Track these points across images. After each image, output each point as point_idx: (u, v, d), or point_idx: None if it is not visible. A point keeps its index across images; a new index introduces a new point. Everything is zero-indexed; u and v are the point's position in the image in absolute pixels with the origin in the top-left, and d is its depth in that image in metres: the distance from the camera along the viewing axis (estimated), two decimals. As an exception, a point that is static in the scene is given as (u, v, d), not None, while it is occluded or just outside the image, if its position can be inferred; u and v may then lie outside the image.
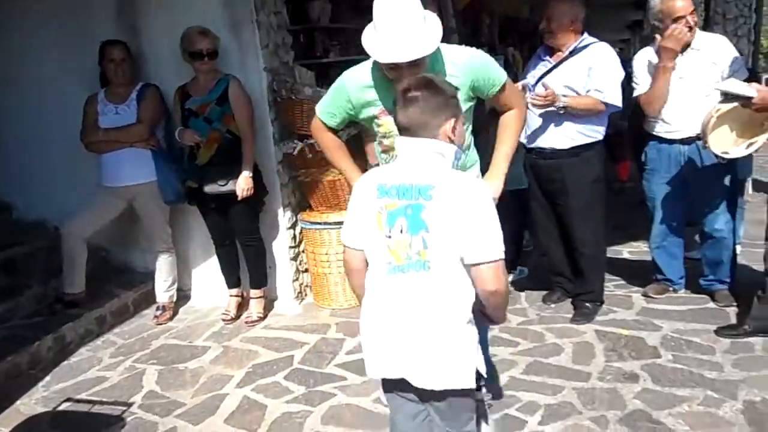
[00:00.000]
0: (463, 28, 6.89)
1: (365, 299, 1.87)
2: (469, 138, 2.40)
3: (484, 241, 1.67)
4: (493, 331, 3.52)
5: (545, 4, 3.53)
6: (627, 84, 3.55)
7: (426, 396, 1.83)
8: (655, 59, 3.41)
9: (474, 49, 2.36)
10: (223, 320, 3.97)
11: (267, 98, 3.81)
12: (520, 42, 9.48)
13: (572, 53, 3.40)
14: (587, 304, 3.66)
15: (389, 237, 1.75)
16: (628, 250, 4.87)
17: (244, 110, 3.63)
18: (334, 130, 2.51)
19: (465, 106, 2.23)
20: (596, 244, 3.63)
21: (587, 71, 3.34)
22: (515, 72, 8.53)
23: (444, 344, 1.74)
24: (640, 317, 3.57)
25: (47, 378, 3.38)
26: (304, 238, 4.15)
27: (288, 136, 3.94)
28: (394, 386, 1.90)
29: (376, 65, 2.24)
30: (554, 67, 3.44)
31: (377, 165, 3.00)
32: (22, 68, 4.20)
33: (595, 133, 3.43)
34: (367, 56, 2.23)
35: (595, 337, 3.38)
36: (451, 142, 1.78)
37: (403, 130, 1.78)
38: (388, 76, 2.19)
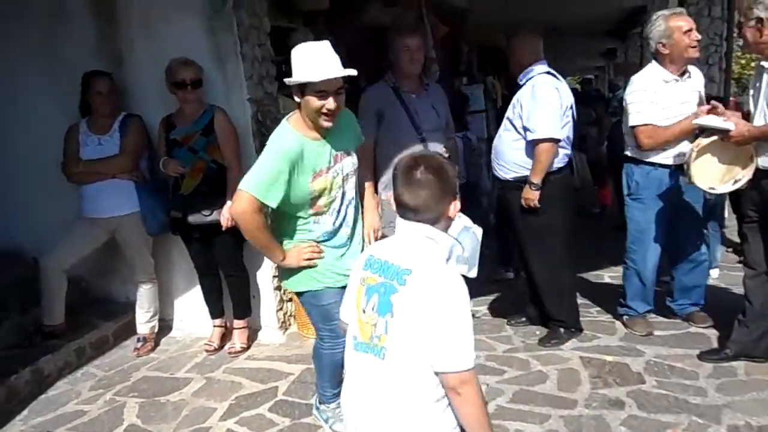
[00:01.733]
0: (442, 57, 7.00)
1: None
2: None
3: (452, 350, 1.55)
4: (479, 359, 3.54)
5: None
6: (602, 111, 3.65)
7: None
8: (662, 78, 3.43)
9: None
10: (206, 351, 3.92)
11: (251, 128, 3.82)
12: (498, 71, 9.64)
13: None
14: (561, 330, 3.71)
15: (363, 312, 1.71)
16: (609, 275, 4.92)
17: (231, 140, 3.63)
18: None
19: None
20: (547, 273, 3.68)
21: (518, 106, 3.47)
22: (494, 100, 8.70)
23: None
24: (623, 343, 3.60)
25: (25, 412, 3.31)
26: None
27: (272, 166, 3.94)
28: None
29: (299, 128, 2.50)
30: None
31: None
32: (2, 96, 4.17)
33: None
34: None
35: (579, 363, 3.39)
36: (450, 219, 1.74)
37: (407, 210, 1.70)
38: (316, 126, 2.48)
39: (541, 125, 3.37)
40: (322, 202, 2.57)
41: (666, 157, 3.45)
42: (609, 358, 3.42)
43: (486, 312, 4.33)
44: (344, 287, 2.01)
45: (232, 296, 3.91)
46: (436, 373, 1.57)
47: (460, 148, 5.00)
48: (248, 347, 3.94)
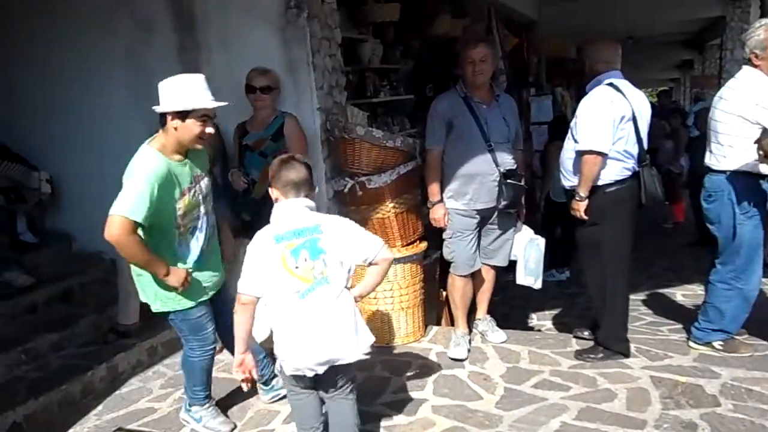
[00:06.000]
0: (510, 68, 6.96)
1: (282, 326, 2.41)
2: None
3: (371, 243, 2.45)
4: (543, 374, 3.48)
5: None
6: (678, 124, 3.52)
7: (330, 376, 2.42)
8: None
9: None
10: (272, 355, 3.99)
11: (320, 137, 3.89)
12: (567, 82, 9.49)
13: None
14: (599, 348, 3.61)
15: (297, 268, 2.34)
16: (682, 293, 4.76)
17: (299, 145, 3.68)
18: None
19: None
20: (596, 287, 3.60)
21: (576, 116, 3.45)
22: (562, 111, 8.56)
23: (349, 328, 2.40)
24: (697, 363, 3.46)
25: (99, 407, 3.44)
26: (352, 275, 4.16)
27: (339, 174, 4.00)
28: (301, 381, 2.48)
29: (163, 152, 2.68)
30: None
31: (440, 202, 3.65)
32: (89, 105, 4.39)
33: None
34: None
35: (650, 383, 3.28)
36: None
37: (293, 188, 2.42)
38: (182, 149, 2.72)
39: (585, 137, 3.33)
40: (186, 221, 2.75)
41: None
42: (682, 379, 3.28)
43: (550, 326, 4.25)
44: (207, 300, 2.91)
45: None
46: (369, 263, 2.45)
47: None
48: (312, 353, 3.98)
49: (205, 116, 2.66)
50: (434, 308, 4.56)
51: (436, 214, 3.76)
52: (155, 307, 2.89)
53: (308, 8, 3.76)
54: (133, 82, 4.23)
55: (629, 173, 3.43)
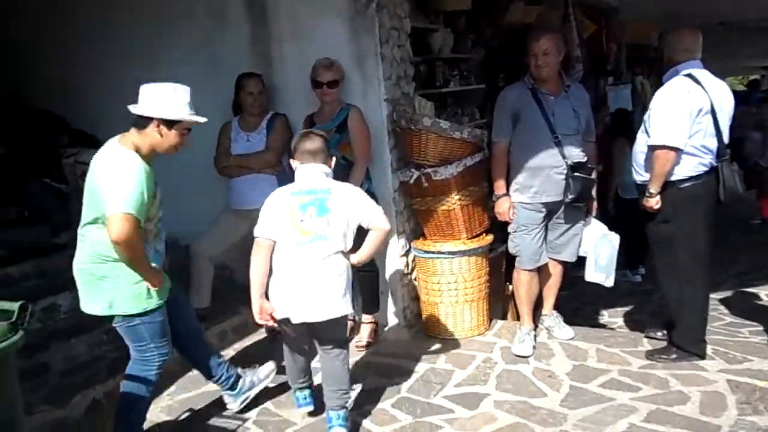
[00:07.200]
0: (588, 56, 6.73)
1: (277, 270, 2.71)
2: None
3: (379, 212, 2.80)
4: (612, 373, 3.38)
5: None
6: (766, 115, 3.33)
7: (317, 328, 2.76)
8: None
9: None
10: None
11: (386, 128, 3.89)
12: (648, 70, 9.09)
13: None
14: (673, 349, 3.47)
15: (302, 221, 2.66)
16: (766, 293, 4.49)
17: (361, 137, 3.72)
18: None
19: None
20: (670, 286, 3.45)
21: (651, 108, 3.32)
22: (642, 102, 8.21)
23: (333, 288, 2.67)
24: (779, 368, 3.27)
25: (173, 387, 3.58)
26: (416, 266, 4.17)
27: (405, 165, 4.00)
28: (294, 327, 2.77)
29: (139, 154, 2.63)
30: None
31: (505, 195, 3.64)
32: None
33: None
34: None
35: (726, 386, 3.13)
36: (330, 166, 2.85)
37: (309, 156, 2.78)
38: (150, 156, 2.70)
39: (658, 131, 3.19)
40: (152, 226, 2.73)
41: None
42: (761, 384, 3.12)
43: (622, 324, 4.12)
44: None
45: (361, 291, 3.96)
46: (368, 228, 2.77)
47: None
48: (374, 342, 4.02)
49: (187, 129, 2.74)
50: (500, 302, 4.50)
51: (501, 208, 3.71)
52: (116, 311, 2.72)
53: (378, -2, 3.76)
54: (207, 72, 4.32)
55: (705, 169, 3.26)
